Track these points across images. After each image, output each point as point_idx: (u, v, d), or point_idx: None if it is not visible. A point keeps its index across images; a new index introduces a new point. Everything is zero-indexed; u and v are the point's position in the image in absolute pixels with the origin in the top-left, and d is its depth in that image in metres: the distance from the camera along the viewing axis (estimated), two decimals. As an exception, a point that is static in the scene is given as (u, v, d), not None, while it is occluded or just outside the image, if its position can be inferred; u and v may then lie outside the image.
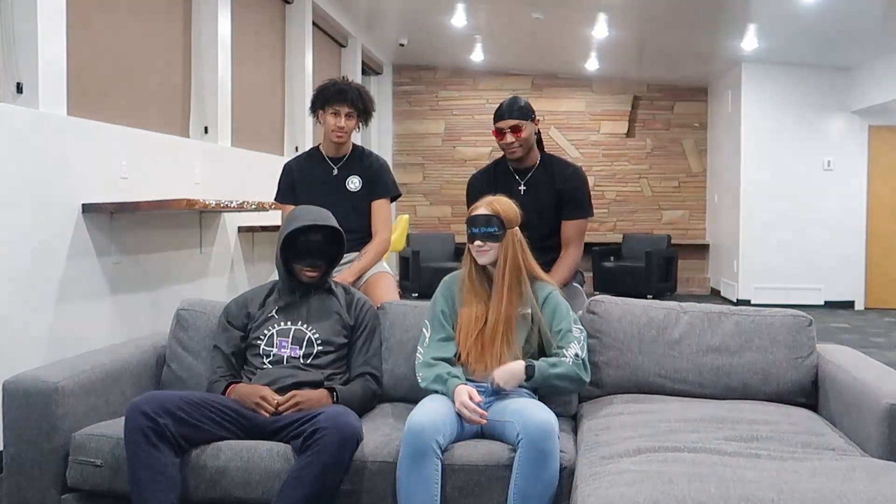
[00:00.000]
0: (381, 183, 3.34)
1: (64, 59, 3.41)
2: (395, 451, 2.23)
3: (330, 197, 3.24)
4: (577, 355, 2.44)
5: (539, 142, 3.26)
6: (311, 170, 3.34)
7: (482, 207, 2.55)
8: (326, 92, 3.22)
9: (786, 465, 1.94)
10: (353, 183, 3.30)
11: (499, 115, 3.12)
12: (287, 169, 3.40)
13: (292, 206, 3.28)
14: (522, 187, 3.17)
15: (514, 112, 3.09)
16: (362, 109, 3.26)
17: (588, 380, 2.47)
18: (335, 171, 3.32)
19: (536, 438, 2.14)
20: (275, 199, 3.42)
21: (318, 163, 3.35)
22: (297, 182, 3.34)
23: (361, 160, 3.35)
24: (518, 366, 2.40)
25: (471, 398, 2.32)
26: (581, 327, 2.54)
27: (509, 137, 3.09)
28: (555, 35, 8.31)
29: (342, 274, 3.17)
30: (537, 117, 3.18)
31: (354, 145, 3.38)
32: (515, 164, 3.20)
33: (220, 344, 2.63)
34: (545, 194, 3.16)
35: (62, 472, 2.36)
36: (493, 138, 3.19)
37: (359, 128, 3.33)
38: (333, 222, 2.65)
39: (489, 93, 10.17)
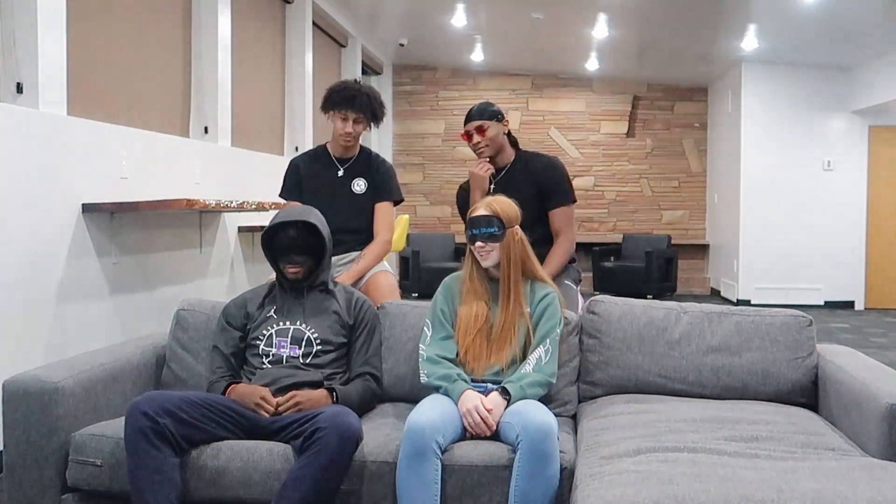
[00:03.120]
0: (386, 187, 3.37)
1: (64, 59, 3.41)
2: (395, 451, 2.23)
3: (335, 197, 3.26)
4: (539, 359, 2.45)
5: (513, 141, 3.35)
6: (318, 169, 3.35)
7: (482, 208, 2.55)
8: (337, 95, 3.22)
9: (786, 465, 1.94)
10: (359, 185, 3.32)
11: (467, 118, 3.27)
12: (293, 166, 3.40)
13: (291, 198, 3.32)
14: (492, 186, 3.25)
15: (480, 113, 3.23)
16: (371, 115, 3.27)
17: (553, 380, 2.47)
18: (341, 173, 3.33)
19: (536, 439, 2.14)
20: (280, 195, 3.42)
21: (324, 162, 3.36)
22: (304, 180, 3.35)
23: (368, 163, 3.37)
24: (497, 398, 2.36)
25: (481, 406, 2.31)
26: (558, 333, 2.54)
27: (475, 137, 3.23)
28: (555, 35, 8.31)
29: (341, 275, 3.17)
30: (506, 119, 3.30)
31: (362, 147, 3.40)
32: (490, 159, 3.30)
33: (219, 344, 2.63)
34: (521, 191, 3.16)
35: (62, 472, 2.36)
36: None
37: (369, 128, 3.34)
38: (308, 217, 2.62)
39: (489, 93, 10.17)
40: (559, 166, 3.32)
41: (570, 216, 3.29)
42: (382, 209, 3.35)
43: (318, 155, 3.40)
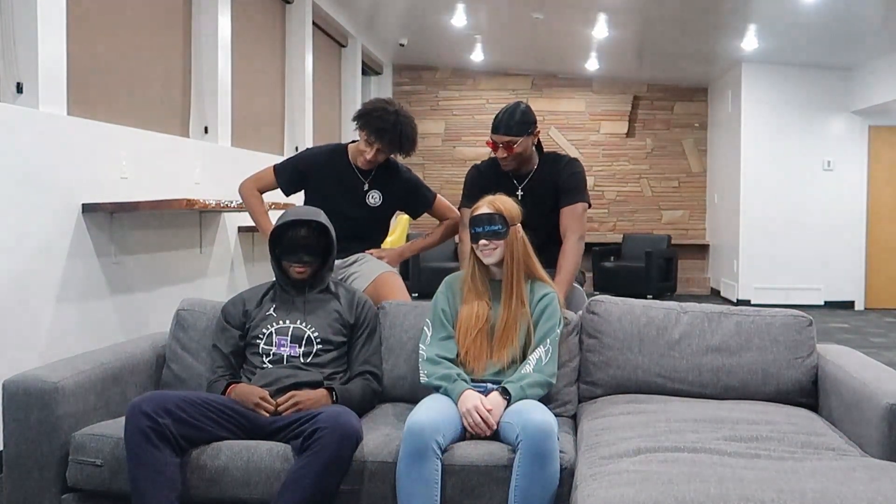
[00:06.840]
0: (422, 198, 3.35)
1: (64, 59, 3.41)
2: (395, 451, 2.23)
3: (350, 206, 3.18)
4: (539, 359, 2.45)
5: (538, 146, 3.20)
6: (334, 171, 3.21)
7: (484, 206, 2.55)
8: (371, 120, 3.05)
9: (786, 465, 1.94)
10: (373, 197, 3.22)
11: (494, 126, 3.05)
12: (306, 156, 3.28)
13: (281, 179, 3.23)
14: (520, 192, 3.11)
15: (510, 128, 3.01)
16: (397, 151, 3.14)
17: (553, 380, 2.47)
18: (357, 181, 3.22)
19: (536, 439, 2.14)
20: (274, 167, 3.27)
21: (343, 166, 3.21)
22: (314, 174, 3.21)
23: (388, 175, 3.24)
24: (497, 398, 2.36)
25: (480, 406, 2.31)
26: (558, 333, 2.54)
27: (501, 152, 3.05)
28: (555, 35, 8.31)
29: (388, 252, 3.23)
30: (537, 129, 3.10)
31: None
32: (513, 170, 3.16)
33: (218, 343, 2.63)
34: (545, 196, 3.13)
35: (62, 472, 2.36)
36: None
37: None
38: (319, 217, 2.63)
39: (489, 93, 10.17)
40: (580, 165, 3.17)
41: (580, 214, 3.08)
42: (436, 203, 3.37)
43: (337, 156, 3.24)
